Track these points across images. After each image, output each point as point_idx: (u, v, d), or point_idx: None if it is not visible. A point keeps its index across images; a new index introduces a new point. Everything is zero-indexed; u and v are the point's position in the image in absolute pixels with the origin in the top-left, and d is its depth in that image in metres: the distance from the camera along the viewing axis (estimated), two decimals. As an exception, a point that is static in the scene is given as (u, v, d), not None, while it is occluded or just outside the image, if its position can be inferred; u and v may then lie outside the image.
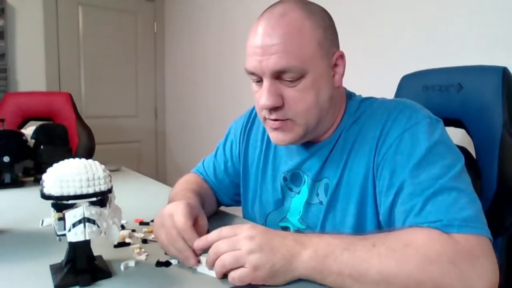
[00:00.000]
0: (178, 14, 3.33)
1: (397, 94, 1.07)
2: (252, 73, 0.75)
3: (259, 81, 0.75)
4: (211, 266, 0.64)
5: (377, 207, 0.73)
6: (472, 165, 0.90)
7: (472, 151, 0.93)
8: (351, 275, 0.58)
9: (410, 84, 1.05)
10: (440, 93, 0.95)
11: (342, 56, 0.77)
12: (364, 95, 0.88)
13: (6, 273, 0.66)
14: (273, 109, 0.73)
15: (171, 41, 3.47)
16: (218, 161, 1.04)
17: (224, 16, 2.72)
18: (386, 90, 1.12)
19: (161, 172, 3.62)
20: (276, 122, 0.75)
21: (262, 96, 0.73)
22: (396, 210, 0.67)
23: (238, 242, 0.62)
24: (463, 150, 0.95)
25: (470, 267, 0.55)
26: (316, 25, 0.72)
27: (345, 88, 0.84)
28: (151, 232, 0.87)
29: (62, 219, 0.59)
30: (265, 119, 0.78)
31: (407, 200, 0.65)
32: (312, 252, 0.60)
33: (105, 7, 3.22)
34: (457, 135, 1.09)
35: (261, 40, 0.72)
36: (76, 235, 0.59)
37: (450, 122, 0.95)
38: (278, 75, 0.72)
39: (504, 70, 0.86)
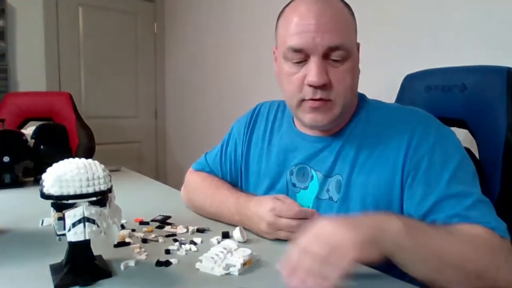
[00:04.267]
0: (178, 14, 3.33)
1: (400, 94, 1.06)
2: (299, 51, 0.76)
3: (300, 61, 0.77)
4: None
5: (403, 213, 0.76)
6: (475, 165, 0.89)
7: (475, 151, 0.92)
8: (434, 251, 0.59)
9: (413, 83, 1.05)
10: (443, 93, 0.95)
11: (359, 48, 0.83)
12: (367, 94, 0.88)
13: (6, 273, 0.65)
14: (319, 87, 0.75)
15: (171, 42, 3.47)
16: (225, 157, 1.05)
17: (224, 16, 2.72)
18: (389, 89, 1.11)
19: (161, 172, 3.62)
20: (318, 102, 0.77)
21: (311, 73, 0.75)
22: (434, 217, 0.70)
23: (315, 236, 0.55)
24: (466, 150, 0.95)
25: (506, 263, 0.63)
26: (351, 14, 0.80)
27: None
28: (151, 231, 0.87)
29: (62, 218, 0.59)
30: (301, 102, 0.79)
31: (448, 209, 0.69)
32: (402, 223, 0.57)
33: (105, 7, 3.22)
34: (460, 136, 1.09)
35: (314, 18, 0.74)
36: (76, 234, 0.59)
37: (453, 122, 0.95)
38: (327, 53, 0.75)
39: (509, 70, 0.86)
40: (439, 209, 0.70)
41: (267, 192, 0.92)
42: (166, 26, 3.53)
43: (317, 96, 0.76)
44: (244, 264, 0.66)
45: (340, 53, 0.75)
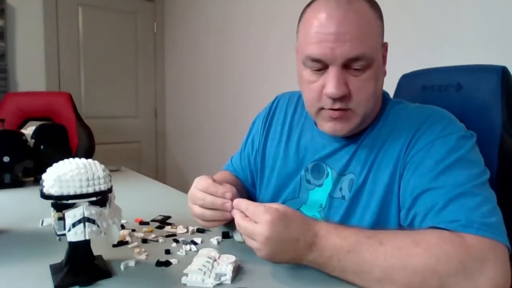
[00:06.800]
0: (178, 14, 3.34)
1: (396, 94, 1.06)
2: (318, 60, 0.73)
3: (320, 69, 0.74)
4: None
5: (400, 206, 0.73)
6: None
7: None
8: (355, 273, 0.61)
9: (409, 83, 1.05)
10: (439, 93, 0.95)
11: (387, 47, 0.80)
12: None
13: (6, 273, 0.66)
14: (338, 98, 0.72)
15: (171, 42, 3.47)
16: (243, 156, 1.05)
17: (224, 16, 2.72)
18: (386, 89, 1.12)
19: (161, 172, 3.62)
20: (337, 112, 0.74)
21: (329, 85, 0.72)
22: (415, 209, 0.68)
23: (258, 216, 0.64)
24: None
25: (479, 270, 0.56)
26: (377, 15, 0.75)
27: None
28: (151, 231, 0.87)
29: (62, 219, 0.59)
30: (320, 110, 0.77)
31: (429, 201, 0.66)
32: (318, 254, 0.63)
33: (105, 7, 3.23)
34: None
35: (334, 26, 0.69)
36: (76, 234, 0.59)
37: (450, 121, 0.95)
38: (348, 63, 0.71)
39: (503, 69, 0.86)
40: (419, 202, 0.67)
41: (281, 187, 0.91)
42: (166, 25, 3.53)
43: (336, 107, 0.74)
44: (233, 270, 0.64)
45: (361, 62, 0.71)
